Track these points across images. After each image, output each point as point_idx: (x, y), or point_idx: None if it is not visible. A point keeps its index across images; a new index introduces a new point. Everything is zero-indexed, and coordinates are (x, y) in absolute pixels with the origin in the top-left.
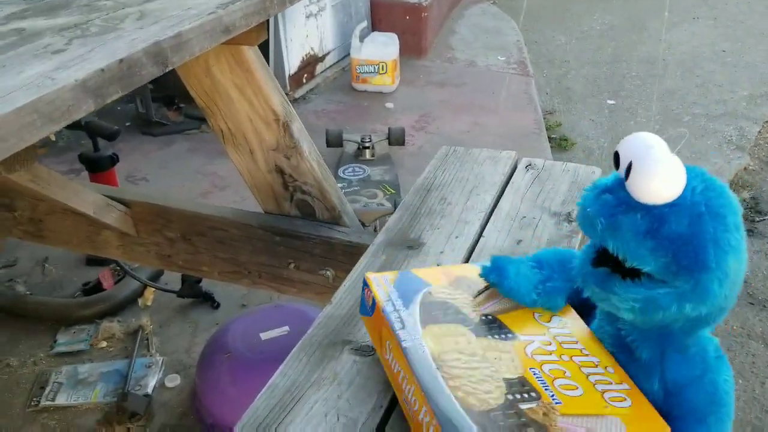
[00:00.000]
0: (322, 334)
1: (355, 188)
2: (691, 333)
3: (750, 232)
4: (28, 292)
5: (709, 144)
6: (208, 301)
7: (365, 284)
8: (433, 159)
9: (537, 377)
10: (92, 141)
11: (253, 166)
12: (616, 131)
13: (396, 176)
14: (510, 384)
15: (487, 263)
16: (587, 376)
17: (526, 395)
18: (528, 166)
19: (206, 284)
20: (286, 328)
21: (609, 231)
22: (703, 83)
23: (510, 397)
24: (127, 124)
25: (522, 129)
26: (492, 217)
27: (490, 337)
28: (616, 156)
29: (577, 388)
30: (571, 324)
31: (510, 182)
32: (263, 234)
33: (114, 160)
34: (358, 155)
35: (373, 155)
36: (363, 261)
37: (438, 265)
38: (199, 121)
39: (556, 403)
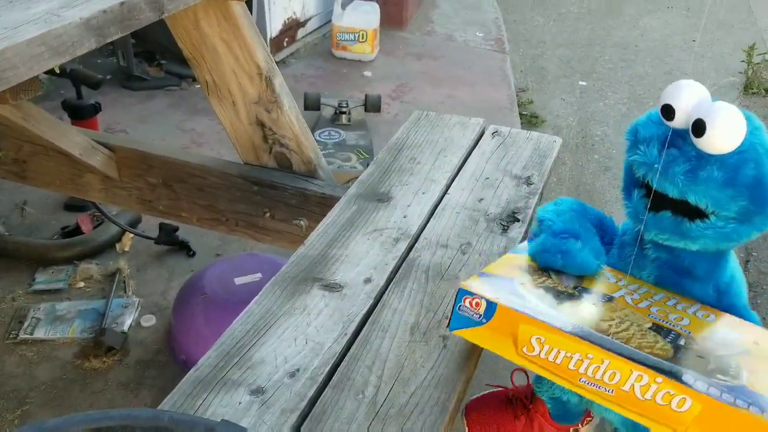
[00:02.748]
0: (295, 272)
1: (330, 151)
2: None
3: None
4: (7, 233)
5: None
6: (184, 249)
7: (464, 293)
8: (406, 122)
9: (659, 320)
10: (76, 89)
11: (235, 118)
12: (585, 111)
13: (371, 142)
14: (658, 330)
15: (537, 249)
16: (675, 306)
17: (674, 335)
18: (494, 133)
19: (182, 233)
20: (259, 275)
21: (690, 185)
22: (671, 70)
23: (669, 340)
24: (108, 77)
25: (495, 104)
26: (458, 176)
27: (597, 303)
28: (668, 108)
29: (682, 319)
30: (612, 273)
31: (477, 146)
32: (242, 183)
33: (97, 108)
34: (334, 120)
35: (349, 120)
36: (336, 209)
37: (405, 217)
38: (180, 78)
39: (687, 332)
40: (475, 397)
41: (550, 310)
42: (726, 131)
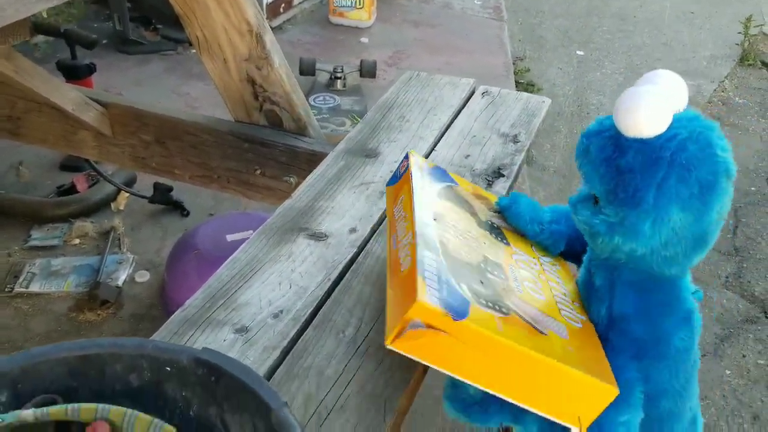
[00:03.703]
0: (282, 222)
1: (325, 116)
2: (640, 272)
3: None
4: (2, 191)
5: None
6: (178, 209)
7: (406, 157)
8: (397, 81)
9: (511, 272)
10: (70, 49)
11: (226, 75)
12: (582, 81)
13: (365, 107)
14: (487, 261)
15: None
16: (554, 295)
17: (496, 273)
18: (484, 93)
19: (177, 193)
20: (250, 231)
21: (583, 153)
22: (668, 42)
23: (483, 266)
24: (104, 41)
25: (491, 71)
26: (445, 134)
27: (487, 232)
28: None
29: (541, 295)
30: (560, 264)
31: (466, 106)
32: (233, 140)
33: (91, 69)
34: (329, 85)
35: (344, 86)
36: (323, 164)
37: (391, 172)
38: (176, 43)
39: (518, 291)
40: None
41: (433, 192)
42: (626, 108)
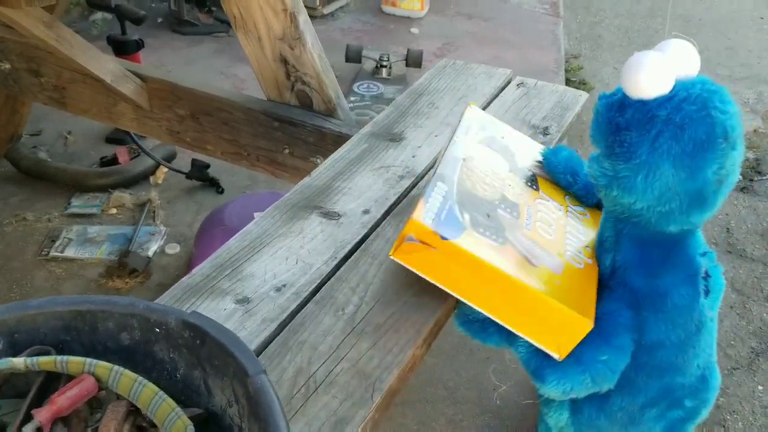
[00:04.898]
0: (297, 198)
1: (367, 103)
2: (643, 226)
3: (744, 189)
4: (49, 159)
5: None
6: (214, 186)
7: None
8: (431, 68)
9: (527, 212)
10: (120, 24)
11: (260, 54)
12: None
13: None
14: (504, 200)
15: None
16: (566, 238)
17: (509, 210)
18: (519, 84)
19: (213, 171)
20: None
21: (594, 113)
22: (733, 46)
23: (496, 203)
24: (159, 20)
25: (540, 67)
26: None
27: (518, 178)
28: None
29: (551, 235)
30: (591, 215)
31: (499, 95)
32: (264, 119)
33: (139, 44)
34: (374, 73)
35: (389, 74)
36: (346, 146)
37: (413, 157)
38: (228, 25)
39: (527, 228)
40: None
41: (475, 143)
42: (628, 68)
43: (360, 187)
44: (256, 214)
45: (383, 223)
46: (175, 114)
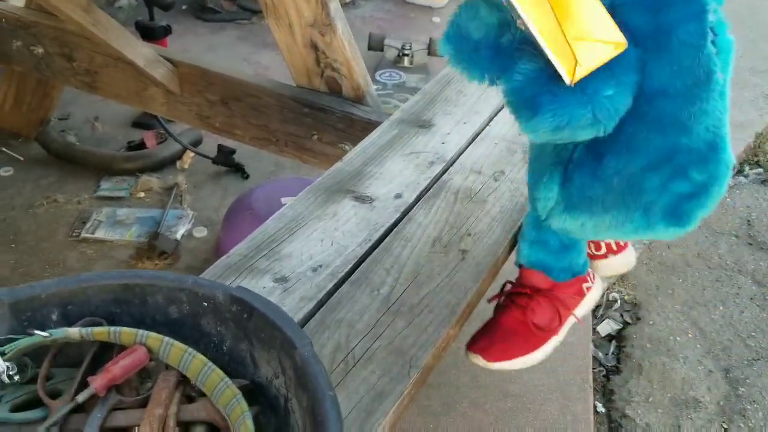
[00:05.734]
0: (330, 183)
1: (389, 92)
2: None
3: (765, 182)
4: (77, 143)
5: (746, 96)
6: (240, 171)
7: None
8: None
9: None
10: (149, 10)
11: (290, 40)
12: None
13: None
14: None
15: None
16: None
17: None
18: None
19: (239, 157)
20: None
21: None
22: (755, 38)
23: None
24: (183, 7)
25: None
26: (502, 110)
27: None
28: None
29: None
30: None
31: None
32: (294, 105)
33: (167, 30)
34: (396, 61)
35: (411, 63)
36: (376, 132)
37: (443, 143)
38: (252, 13)
39: None
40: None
41: None
42: None
43: (391, 172)
44: (283, 200)
45: (415, 207)
46: (205, 99)
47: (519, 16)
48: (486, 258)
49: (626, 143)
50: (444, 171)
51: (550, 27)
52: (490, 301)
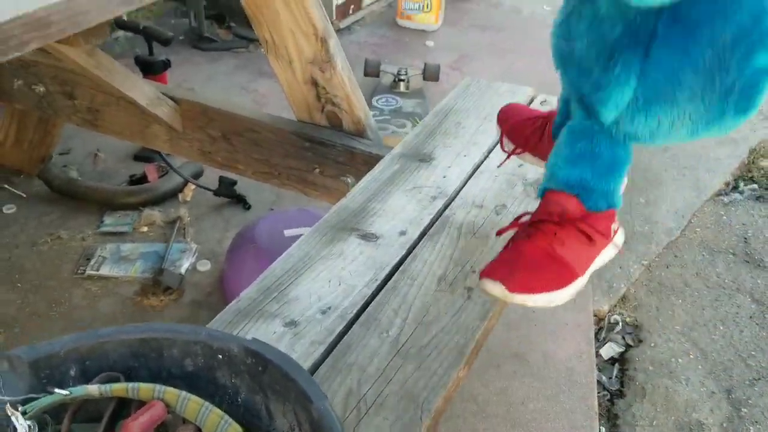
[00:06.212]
0: (335, 221)
1: (386, 117)
2: None
3: (761, 198)
4: (79, 178)
5: None
6: (241, 202)
7: None
8: (456, 87)
9: None
10: (148, 45)
11: (291, 77)
12: None
13: (427, 110)
14: None
15: None
16: None
17: None
18: (543, 102)
19: (240, 187)
20: (307, 228)
21: None
22: None
23: None
24: (180, 37)
25: (556, 79)
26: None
27: None
28: None
29: None
30: None
31: None
32: (295, 139)
33: (167, 64)
34: (393, 87)
35: (407, 88)
36: (378, 167)
37: (444, 177)
38: (248, 41)
39: None
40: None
41: None
42: None
43: (394, 209)
44: (286, 232)
45: (420, 244)
46: (208, 135)
47: None
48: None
49: (722, 5)
50: (446, 206)
51: None
52: (500, 233)
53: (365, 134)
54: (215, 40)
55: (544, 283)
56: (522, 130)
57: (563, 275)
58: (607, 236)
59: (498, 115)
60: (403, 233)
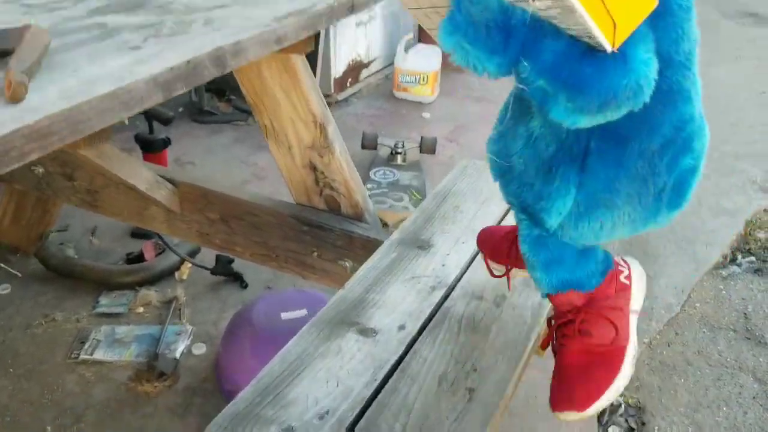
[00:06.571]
0: (333, 313)
1: (384, 190)
2: None
3: (759, 271)
4: (76, 256)
5: (732, 182)
6: (238, 280)
7: None
8: (453, 169)
9: None
10: (148, 124)
11: (290, 161)
12: None
13: (423, 183)
14: None
15: None
16: None
17: None
18: None
19: (237, 265)
20: (305, 310)
21: None
22: (736, 122)
23: None
24: (180, 110)
25: None
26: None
27: None
28: None
29: None
30: None
31: None
32: (293, 223)
33: (166, 142)
34: (390, 159)
35: (404, 161)
36: (376, 256)
37: (443, 266)
38: (247, 114)
39: None
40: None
41: None
42: None
43: (393, 300)
44: (283, 315)
45: (419, 339)
46: (206, 217)
47: None
48: (493, 397)
49: (647, 120)
50: (446, 296)
51: None
52: (543, 347)
53: (363, 218)
54: (215, 113)
55: (601, 382)
56: (501, 250)
57: (612, 360)
58: (623, 290)
59: (477, 242)
60: (402, 327)
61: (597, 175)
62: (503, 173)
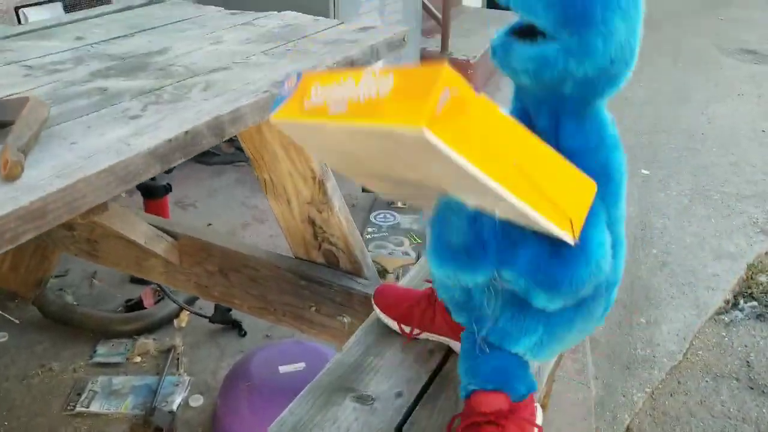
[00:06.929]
0: (330, 380)
1: (384, 234)
2: (583, 101)
3: (761, 317)
4: (75, 303)
5: (734, 224)
6: (237, 329)
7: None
8: None
9: None
10: None
11: (288, 215)
12: (646, 202)
13: (424, 226)
14: None
15: None
16: None
17: None
18: None
19: (236, 313)
20: (303, 364)
21: None
22: (737, 161)
23: None
24: None
25: None
26: None
27: None
28: None
29: None
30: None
31: None
32: (291, 277)
33: (167, 189)
34: (390, 202)
35: (404, 203)
36: (374, 315)
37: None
38: None
39: None
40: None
41: None
42: None
43: (391, 364)
44: (281, 368)
45: (417, 407)
46: (205, 270)
47: (498, 202)
48: None
49: (583, 307)
50: (444, 360)
51: (533, 197)
52: None
53: (362, 273)
54: (218, 153)
55: None
56: (411, 316)
57: None
58: (532, 412)
59: (374, 300)
60: (399, 395)
61: (563, 314)
62: (460, 308)
